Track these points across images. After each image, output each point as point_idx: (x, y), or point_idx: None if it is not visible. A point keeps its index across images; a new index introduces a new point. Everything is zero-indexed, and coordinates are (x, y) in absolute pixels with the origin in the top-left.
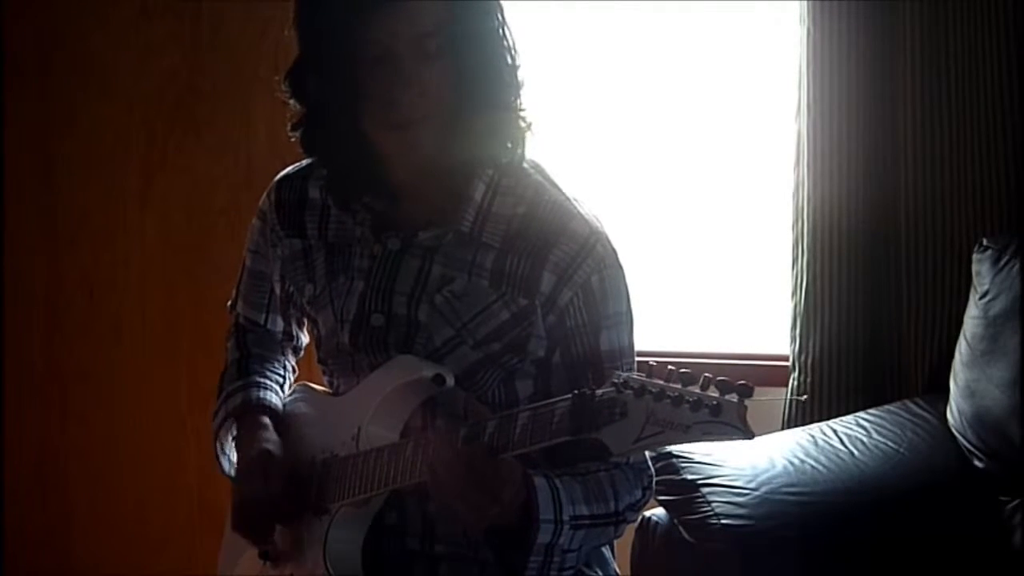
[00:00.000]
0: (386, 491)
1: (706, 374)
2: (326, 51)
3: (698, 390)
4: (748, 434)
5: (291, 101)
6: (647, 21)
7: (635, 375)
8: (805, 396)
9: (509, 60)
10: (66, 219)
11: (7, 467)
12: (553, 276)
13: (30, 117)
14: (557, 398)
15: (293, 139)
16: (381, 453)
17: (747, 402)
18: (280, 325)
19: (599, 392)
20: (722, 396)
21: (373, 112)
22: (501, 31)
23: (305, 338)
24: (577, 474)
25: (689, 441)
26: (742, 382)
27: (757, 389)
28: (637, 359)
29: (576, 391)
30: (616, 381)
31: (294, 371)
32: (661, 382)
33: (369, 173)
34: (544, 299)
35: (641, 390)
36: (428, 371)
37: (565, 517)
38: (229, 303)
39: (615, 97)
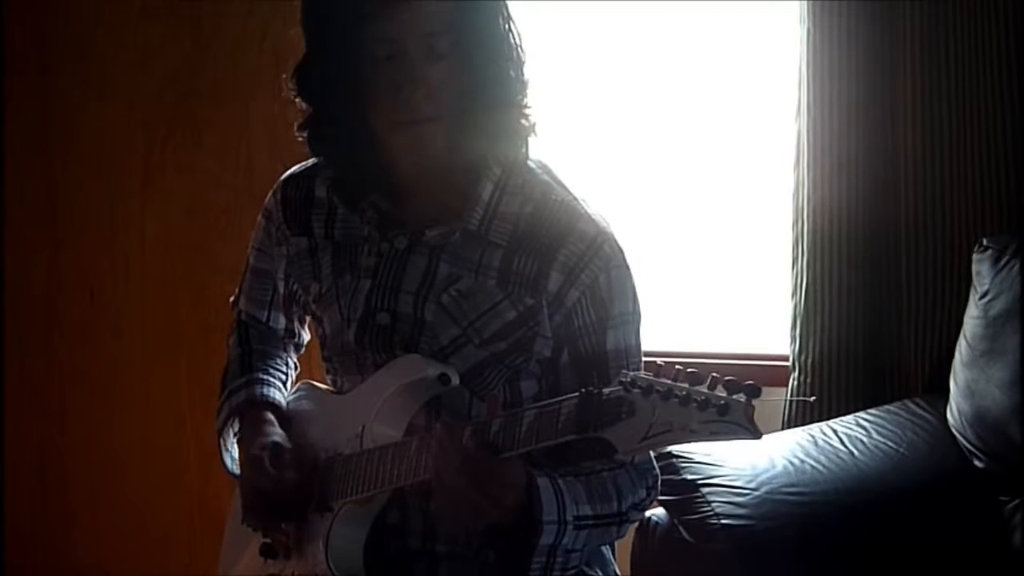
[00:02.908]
0: (389, 489)
1: (713, 374)
2: (334, 49)
3: (705, 390)
4: (756, 434)
5: (297, 100)
6: (647, 21)
7: (642, 374)
8: (813, 397)
9: (516, 59)
10: (66, 219)
11: (7, 467)
12: (560, 276)
13: (30, 117)
14: (564, 396)
15: (300, 139)
16: (385, 452)
17: (754, 402)
18: (282, 322)
19: (606, 391)
20: (730, 396)
21: (381, 110)
22: (508, 29)
23: (307, 335)
24: (581, 474)
25: (696, 440)
26: (750, 382)
27: (763, 389)
28: (643, 359)
29: (583, 389)
30: (623, 380)
31: (296, 367)
32: (668, 381)
33: (376, 172)
34: (551, 299)
35: (648, 389)
36: (432, 370)
37: (569, 518)
38: (232, 299)
39: (615, 97)
